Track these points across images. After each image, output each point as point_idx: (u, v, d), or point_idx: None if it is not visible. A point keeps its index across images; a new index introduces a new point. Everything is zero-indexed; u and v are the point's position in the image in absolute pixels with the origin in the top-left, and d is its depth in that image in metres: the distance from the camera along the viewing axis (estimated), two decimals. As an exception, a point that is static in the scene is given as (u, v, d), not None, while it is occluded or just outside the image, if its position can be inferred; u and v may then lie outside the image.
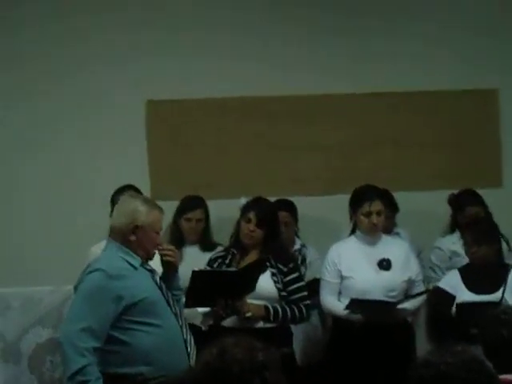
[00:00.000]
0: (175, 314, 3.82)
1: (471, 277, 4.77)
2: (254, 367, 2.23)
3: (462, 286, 4.76)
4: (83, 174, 5.48)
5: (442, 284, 4.87)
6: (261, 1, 5.65)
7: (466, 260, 5.13)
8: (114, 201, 4.74)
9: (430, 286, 5.20)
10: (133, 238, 3.74)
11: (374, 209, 4.71)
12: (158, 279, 3.85)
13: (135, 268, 3.76)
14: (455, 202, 5.29)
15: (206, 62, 5.55)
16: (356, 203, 4.78)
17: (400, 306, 4.69)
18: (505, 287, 4.61)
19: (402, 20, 5.71)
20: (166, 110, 5.56)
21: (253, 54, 5.58)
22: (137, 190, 4.77)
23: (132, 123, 5.50)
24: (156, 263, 4.44)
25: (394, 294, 4.72)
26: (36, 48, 5.47)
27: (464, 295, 4.72)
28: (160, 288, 3.83)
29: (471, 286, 4.74)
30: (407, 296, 4.76)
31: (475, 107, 5.74)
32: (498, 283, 4.66)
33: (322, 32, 5.64)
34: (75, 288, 3.81)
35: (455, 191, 5.34)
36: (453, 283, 4.80)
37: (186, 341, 3.79)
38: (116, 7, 5.52)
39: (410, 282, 4.80)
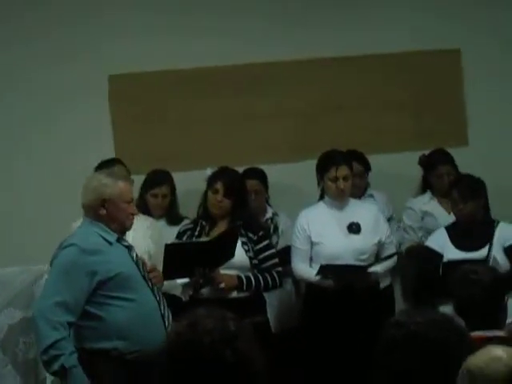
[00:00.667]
0: (151, 289, 3.83)
1: (458, 234, 4.78)
2: (224, 337, 2.23)
3: (449, 244, 4.77)
4: (47, 152, 5.44)
5: (430, 242, 4.88)
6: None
7: (438, 219, 5.19)
8: None
9: (403, 247, 5.24)
10: (103, 211, 3.77)
11: (340, 174, 4.70)
12: (134, 255, 3.86)
13: (110, 243, 3.77)
14: (426, 161, 5.31)
15: (167, 35, 5.50)
16: (322, 169, 4.78)
17: (371, 269, 4.70)
18: (491, 244, 4.64)
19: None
20: (129, 84, 5.50)
21: (213, 25, 5.52)
22: (122, 163, 4.70)
23: (95, 98, 5.44)
24: (138, 236, 4.49)
25: (364, 257, 4.74)
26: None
27: (451, 253, 4.73)
28: (136, 263, 3.84)
29: (458, 244, 4.75)
30: (378, 259, 4.77)
31: (439, 67, 5.72)
32: (485, 239, 4.68)
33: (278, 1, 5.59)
34: (51, 263, 3.81)
35: (422, 152, 5.37)
36: (440, 242, 4.81)
37: (163, 316, 3.80)
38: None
39: (381, 245, 4.81)
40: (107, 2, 5.48)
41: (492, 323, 3.23)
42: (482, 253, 4.64)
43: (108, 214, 3.78)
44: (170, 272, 4.37)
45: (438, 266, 4.66)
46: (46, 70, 5.44)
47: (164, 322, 3.79)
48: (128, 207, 3.84)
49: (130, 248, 3.87)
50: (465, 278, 3.36)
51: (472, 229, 4.75)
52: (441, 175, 5.26)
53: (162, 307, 3.82)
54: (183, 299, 4.61)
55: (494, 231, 4.70)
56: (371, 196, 5.33)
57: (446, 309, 3.43)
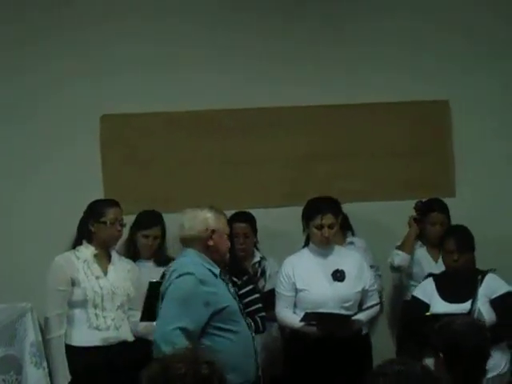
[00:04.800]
0: (248, 325, 3.98)
1: (445, 285, 4.80)
2: (197, 381, 2.23)
3: (436, 294, 4.79)
4: (36, 189, 5.42)
5: (417, 292, 4.90)
6: (220, 12, 5.63)
7: (424, 268, 5.21)
8: (93, 209, 4.66)
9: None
10: (211, 242, 3.95)
11: (325, 222, 4.74)
12: (232, 289, 4.01)
13: (216, 276, 3.90)
14: (423, 207, 5.35)
15: (160, 76, 5.53)
16: (308, 216, 4.83)
17: (355, 317, 4.70)
18: (475, 297, 4.64)
19: (356, 34, 5.73)
20: (121, 125, 5.53)
21: (206, 67, 5.55)
22: (115, 203, 4.72)
23: (87, 138, 5.46)
24: (119, 277, 4.49)
25: (348, 304, 4.75)
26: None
27: (437, 304, 4.75)
28: (235, 299, 3.98)
29: (445, 295, 4.77)
30: (362, 309, 4.77)
31: (428, 118, 5.77)
32: (471, 291, 4.68)
33: (276, 44, 5.64)
34: (164, 291, 3.86)
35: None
36: (427, 292, 4.83)
37: (256, 352, 3.97)
38: (72, 26, 5.48)
39: (364, 292, 4.83)
40: (103, 41, 5.50)
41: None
42: (467, 305, 4.65)
43: (214, 246, 3.96)
44: (149, 312, 4.38)
45: (423, 317, 4.67)
46: (36, 106, 5.45)
47: (256, 356, 3.94)
48: (227, 241, 4.04)
49: (227, 283, 4.00)
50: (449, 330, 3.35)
51: (460, 280, 4.76)
52: (434, 223, 5.30)
53: (255, 342, 3.97)
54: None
55: (478, 283, 4.70)
56: (351, 243, 5.35)
57: (430, 361, 3.42)
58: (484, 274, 4.80)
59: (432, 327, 3.44)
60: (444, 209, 5.33)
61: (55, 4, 5.48)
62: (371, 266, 5.23)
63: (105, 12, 5.53)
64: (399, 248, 5.31)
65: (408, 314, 5.03)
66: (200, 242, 3.96)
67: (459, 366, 3.22)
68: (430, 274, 5.01)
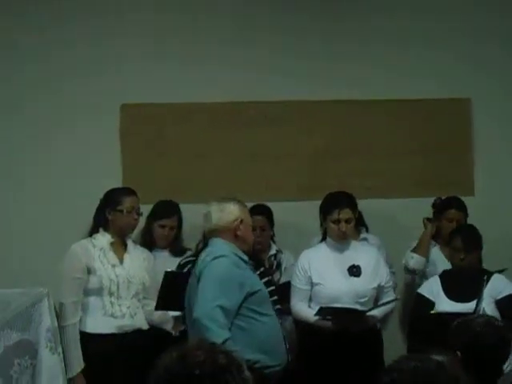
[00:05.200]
0: (275, 311, 4.10)
1: (451, 284, 4.80)
2: (215, 370, 2.21)
3: (441, 293, 4.80)
4: (54, 177, 5.46)
5: (423, 290, 4.91)
6: (237, 7, 5.64)
7: (437, 267, 5.19)
8: (110, 198, 4.65)
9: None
10: (239, 233, 4.09)
11: (342, 216, 4.74)
12: (258, 277, 4.14)
13: (246, 262, 4.03)
14: (440, 204, 5.34)
15: (182, 67, 5.54)
16: (326, 210, 4.82)
17: (369, 313, 4.70)
18: (480, 297, 4.62)
19: (377, 29, 5.72)
20: (141, 114, 5.54)
21: (228, 59, 5.56)
22: (132, 192, 4.72)
23: (106, 127, 5.48)
24: (135, 266, 4.52)
25: (364, 300, 4.75)
26: (7, 60, 5.46)
27: (442, 303, 4.75)
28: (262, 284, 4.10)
29: (450, 294, 4.77)
30: (377, 305, 4.77)
31: (448, 116, 5.76)
32: (476, 291, 4.67)
33: (295, 37, 5.64)
34: (199, 274, 3.95)
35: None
36: (433, 290, 4.84)
37: (284, 337, 4.06)
38: (90, 15, 5.50)
39: (380, 289, 4.83)
40: (124, 31, 5.51)
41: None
42: (472, 305, 4.63)
43: (242, 235, 4.09)
44: (164, 301, 4.40)
45: (429, 316, 4.69)
46: (55, 94, 5.48)
47: (285, 341, 4.03)
48: (251, 232, 4.21)
49: (253, 270, 4.13)
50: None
51: (466, 279, 4.76)
52: (451, 219, 5.27)
53: (292, 328, 4.05)
54: (173, 334, 4.61)
55: (484, 283, 4.68)
56: (365, 239, 5.33)
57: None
58: (490, 274, 4.79)
59: (438, 325, 3.45)
60: (462, 207, 5.31)
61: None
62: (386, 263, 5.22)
63: (124, 1, 5.54)
64: (414, 251, 5.28)
65: (412, 312, 5.02)
66: (229, 233, 4.08)
67: (476, 365, 3.21)
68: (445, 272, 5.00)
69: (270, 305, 4.07)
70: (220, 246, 4.05)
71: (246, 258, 4.07)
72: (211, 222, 4.12)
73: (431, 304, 4.78)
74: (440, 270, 5.10)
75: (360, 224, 5.36)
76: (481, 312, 4.54)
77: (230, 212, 4.11)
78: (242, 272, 3.97)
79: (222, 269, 3.93)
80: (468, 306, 4.62)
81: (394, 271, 5.38)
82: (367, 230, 5.44)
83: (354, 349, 4.65)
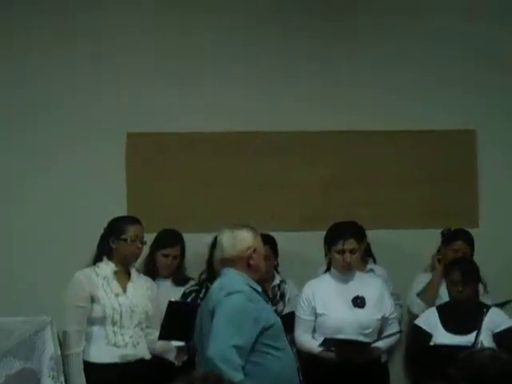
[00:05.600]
0: (289, 342, 3.97)
1: (449, 316, 4.81)
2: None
3: (439, 326, 4.80)
4: (62, 206, 5.47)
5: (420, 322, 4.90)
6: (244, 33, 5.65)
7: (442, 297, 5.17)
8: (114, 226, 4.65)
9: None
10: (252, 261, 3.94)
11: (347, 247, 4.74)
12: (272, 307, 4.04)
13: (259, 293, 3.91)
14: (449, 234, 5.35)
15: (188, 95, 5.56)
16: (330, 241, 4.83)
17: (374, 345, 4.70)
18: (479, 330, 4.62)
19: (384, 60, 5.74)
20: (146, 143, 5.56)
21: (234, 88, 5.59)
22: (136, 221, 4.71)
23: (112, 155, 5.49)
24: (138, 295, 4.50)
25: (368, 331, 4.74)
26: (11, 83, 5.49)
27: (440, 335, 4.76)
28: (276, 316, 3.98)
29: (448, 326, 4.77)
30: (381, 337, 4.77)
31: (453, 148, 5.77)
32: (474, 324, 4.67)
33: (302, 68, 5.66)
34: (213, 309, 3.82)
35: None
36: (430, 321, 4.84)
37: (298, 368, 3.93)
38: (95, 41, 5.53)
39: (384, 320, 4.82)
40: (129, 57, 5.53)
41: None
42: (470, 337, 4.63)
43: (255, 265, 3.95)
44: (168, 331, 4.38)
45: (426, 347, 4.68)
46: (63, 120, 5.49)
47: (298, 374, 3.92)
48: (264, 260, 4.06)
49: (267, 301, 4.00)
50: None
51: (463, 312, 4.76)
52: (457, 251, 5.28)
53: (296, 360, 3.96)
54: (176, 364, 4.59)
55: (483, 316, 4.68)
56: (371, 271, 5.33)
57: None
58: (488, 307, 4.79)
59: (433, 358, 3.43)
60: (469, 240, 5.32)
61: (81, 9, 5.52)
62: (392, 295, 5.21)
63: (134, 26, 5.57)
64: (420, 294, 5.25)
65: (411, 344, 5.00)
66: (241, 262, 3.93)
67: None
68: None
69: (285, 337, 3.94)
70: (233, 277, 3.91)
71: (259, 288, 3.96)
72: (223, 251, 3.98)
73: (428, 336, 4.78)
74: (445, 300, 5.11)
75: (367, 255, 5.36)
76: (479, 345, 4.54)
77: (242, 240, 3.96)
78: (256, 306, 3.83)
79: (236, 305, 3.78)
80: (466, 339, 4.63)
81: (402, 303, 5.36)
82: (374, 262, 5.43)
83: (358, 381, 4.62)
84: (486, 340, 4.63)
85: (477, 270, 4.91)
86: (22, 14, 5.50)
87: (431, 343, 4.74)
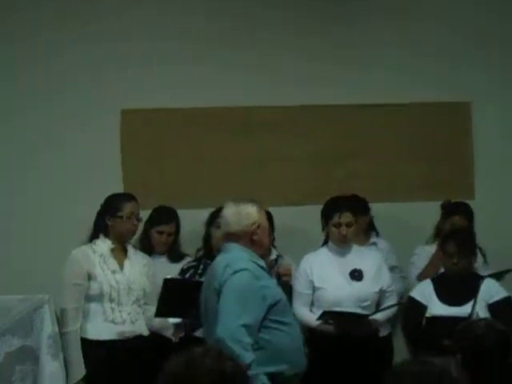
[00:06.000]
0: (293, 314, 3.98)
1: (444, 288, 4.80)
2: (223, 377, 2.21)
3: (434, 297, 4.79)
4: (54, 182, 5.45)
5: (415, 294, 4.90)
6: (241, 10, 5.63)
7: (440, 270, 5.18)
8: (109, 204, 4.64)
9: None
10: (256, 237, 3.87)
11: (343, 220, 4.75)
12: (275, 280, 4.02)
13: (263, 269, 3.86)
14: (448, 207, 5.34)
15: (181, 71, 5.53)
16: (327, 214, 4.84)
17: (371, 317, 4.71)
18: (475, 301, 4.63)
19: (374, 34, 5.72)
20: (141, 120, 5.53)
21: (228, 63, 5.56)
22: (132, 198, 4.70)
23: (107, 132, 5.47)
24: (135, 271, 4.50)
25: (366, 304, 4.75)
26: (9, 64, 5.46)
27: (435, 306, 4.75)
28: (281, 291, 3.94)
29: (443, 298, 4.77)
30: (379, 309, 4.77)
31: (449, 120, 5.76)
32: (469, 295, 4.68)
33: (298, 43, 5.63)
34: (219, 287, 3.78)
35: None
36: (425, 293, 4.83)
37: (303, 342, 3.92)
38: (90, 19, 5.49)
39: (382, 293, 4.83)
40: (124, 35, 5.51)
41: None
42: (465, 308, 4.64)
43: (259, 240, 3.88)
44: (164, 309, 4.37)
45: (421, 318, 4.68)
46: (58, 99, 5.47)
47: (304, 346, 3.90)
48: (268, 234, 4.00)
49: (270, 275, 3.98)
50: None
51: (458, 283, 4.75)
52: (454, 225, 5.24)
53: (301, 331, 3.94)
54: (173, 340, 4.59)
55: (478, 287, 4.69)
56: (374, 244, 5.33)
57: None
58: (482, 278, 4.79)
59: (430, 329, 3.42)
60: (467, 213, 5.29)
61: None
62: (395, 268, 5.23)
63: (126, 4, 5.54)
64: (419, 276, 5.22)
65: (405, 315, 5.01)
66: (246, 237, 3.86)
67: (476, 368, 3.20)
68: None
69: (291, 311, 3.93)
70: (237, 254, 3.85)
71: (263, 264, 3.90)
72: (227, 225, 3.91)
73: (423, 308, 4.77)
74: None
75: (370, 228, 5.37)
76: (475, 316, 4.55)
77: (246, 215, 3.88)
78: (262, 283, 3.78)
79: (243, 284, 3.73)
80: (461, 310, 4.63)
81: (405, 276, 5.37)
82: (377, 235, 5.44)
83: (360, 355, 4.64)
84: (481, 311, 4.64)
85: (472, 242, 4.89)
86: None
87: (427, 315, 4.73)
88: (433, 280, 4.88)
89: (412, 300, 4.88)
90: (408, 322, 4.91)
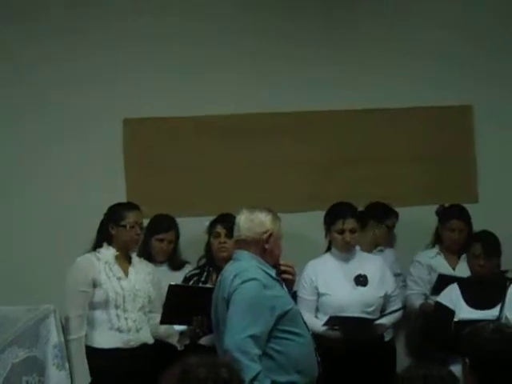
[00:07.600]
0: (305, 323, 3.90)
1: (471, 291, 4.75)
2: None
3: (461, 301, 4.74)
4: (61, 192, 5.45)
5: (441, 299, 4.84)
6: (241, 17, 5.64)
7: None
8: (113, 213, 4.66)
9: (416, 301, 5.21)
10: (267, 246, 3.82)
11: (346, 226, 4.76)
12: (285, 289, 3.92)
13: (273, 278, 3.81)
14: (443, 213, 5.34)
15: (183, 80, 5.54)
16: (330, 220, 4.85)
17: (377, 322, 4.72)
18: (503, 303, 4.59)
19: (378, 38, 5.73)
20: (143, 129, 5.55)
21: (229, 71, 5.57)
22: (136, 207, 4.72)
23: (109, 141, 5.48)
24: (140, 279, 4.51)
25: (371, 309, 4.76)
26: (10, 72, 5.47)
27: (463, 310, 4.70)
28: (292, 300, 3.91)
29: (470, 301, 4.72)
30: (384, 314, 4.78)
31: (451, 124, 5.77)
32: (497, 298, 4.63)
33: (299, 49, 5.64)
34: (229, 297, 3.76)
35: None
36: (452, 297, 4.78)
37: (315, 349, 3.87)
38: (91, 27, 5.51)
39: (387, 297, 4.84)
40: (127, 42, 5.52)
41: None
42: (493, 311, 4.60)
43: (270, 249, 3.83)
44: (169, 315, 4.38)
45: (450, 323, 4.63)
46: (59, 108, 5.48)
47: (316, 355, 3.86)
48: (280, 245, 3.92)
49: (281, 284, 3.91)
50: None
51: (485, 286, 4.71)
52: (453, 229, 5.28)
53: (313, 341, 3.89)
54: (178, 348, 4.60)
55: (506, 290, 4.65)
56: (381, 251, 5.35)
57: (456, 368, 3.39)
58: (510, 280, 4.76)
59: (459, 334, 3.37)
60: (464, 216, 5.30)
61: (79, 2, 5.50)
62: (399, 274, 5.23)
63: (130, 10, 5.55)
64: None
65: (432, 321, 4.94)
66: (257, 245, 3.82)
67: (484, 372, 3.20)
68: (441, 276, 4.98)
69: (301, 320, 3.86)
70: (247, 262, 3.81)
71: (273, 273, 3.82)
72: (239, 231, 3.88)
73: (451, 312, 4.71)
74: None
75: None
76: (503, 319, 4.52)
77: (260, 223, 3.83)
78: (271, 293, 3.74)
79: (251, 294, 3.69)
80: (490, 313, 4.58)
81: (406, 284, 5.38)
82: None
83: (364, 361, 4.64)
84: (509, 314, 4.58)
85: (498, 243, 4.80)
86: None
87: (454, 319, 4.66)
88: (459, 284, 4.82)
89: (439, 305, 4.82)
90: (436, 327, 4.82)
